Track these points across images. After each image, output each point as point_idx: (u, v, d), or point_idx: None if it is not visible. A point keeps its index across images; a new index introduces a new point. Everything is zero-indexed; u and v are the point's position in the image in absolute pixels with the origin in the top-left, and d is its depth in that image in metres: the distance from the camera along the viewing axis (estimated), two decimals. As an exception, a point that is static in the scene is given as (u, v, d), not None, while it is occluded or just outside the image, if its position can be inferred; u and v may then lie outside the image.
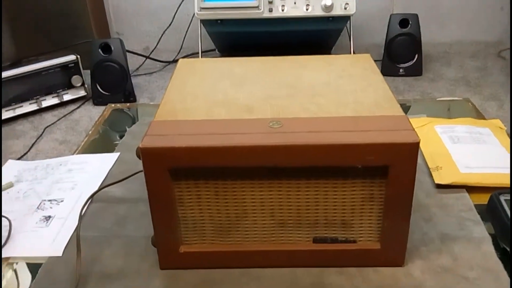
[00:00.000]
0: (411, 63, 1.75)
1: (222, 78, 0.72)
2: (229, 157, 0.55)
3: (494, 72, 1.67)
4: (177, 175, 0.58)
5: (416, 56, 1.74)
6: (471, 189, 0.78)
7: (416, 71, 1.75)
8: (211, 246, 0.63)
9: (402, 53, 1.74)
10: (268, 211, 0.60)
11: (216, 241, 0.63)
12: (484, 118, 0.98)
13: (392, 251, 0.62)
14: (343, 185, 0.58)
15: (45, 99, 1.57)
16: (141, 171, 0.82)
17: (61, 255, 0.68)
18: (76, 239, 0.63)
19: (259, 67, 0.76)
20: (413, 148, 0.54)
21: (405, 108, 1.05)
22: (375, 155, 0.55)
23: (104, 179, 0.84)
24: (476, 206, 0.75)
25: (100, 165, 0.88)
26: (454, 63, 1.82)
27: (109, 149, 0.95)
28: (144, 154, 0.56)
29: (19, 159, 1.26)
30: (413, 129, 0.56)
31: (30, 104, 1.57)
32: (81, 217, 0.63)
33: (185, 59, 0.80)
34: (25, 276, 0.65)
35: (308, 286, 0.61)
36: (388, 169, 0.56)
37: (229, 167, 0.56)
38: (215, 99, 0.65)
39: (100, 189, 0.68)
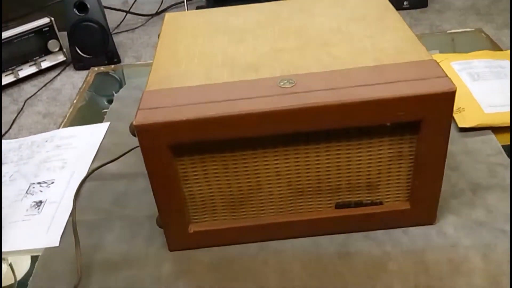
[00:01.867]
0: None
1: (217, 33, 0.63)
2: (236, 127, 0.48)
3: None
4: (180, 151, 0.51)
5: None
6: (497, 129, 0.71)
7: (421, 2, 1.62)
8: (223, 223, 0.57)
9: None
10: (285, 181, 0.54)
11: (229, 217, 0.57)
12: (500, 49, 0.90)
13: (423, 209, 0.56)
14: (368, 145, 0.51)
15: (21, 69, 1.45)
16: (138, 146, 0.75)
17: (58, 245, 0.61)
18: (73, 227, 0.57)
19: (257, 17, 0.67)
20: (449, 98, 0.47)
21: (413, 45, 0.97)
22: (406, 109, 0.48)
23: (96, 154, 0.77)
24: (505, 147, 0.69)
25: (90, 138, 0.81)
26: None
27: (98, 118, 0.87)
28: (140, 132, 0.48)
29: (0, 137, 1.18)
30: (446, 75, 0.49)
31: (6, 76, 1.45)
32: (75, 200, 0.57)
33: (172, 13, 0.71)
34: (22, 272, 0.59)
35: (333, 256, 0.56)
36: (420, 124, 0.49)
37: (237, 138, 0.49)
38: (214, 59, 0.57)
39: (95, 169, 0.61)
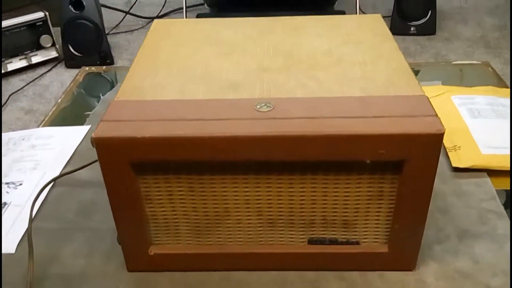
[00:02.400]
0: (424, 21, 1.55)
1: (204, 45, 0.60)
2: (205, 149, 0.44)
3: None
4: (142, 169, 0.47)
5: (430, 12, 1.55)
6: (494, 172, 0.67)
7: (429, 29, 1.56)
8: (187, 248, 0.53)
9: (414, 9, 1.54)
10: (255, 210, 0.50)
11: (193, 242, 0.53)
12: (506, 86, 0.86)
13: (402, 254, 0.52)
14: (347, 181, 0.47)
15: (11, 62, 1.41)
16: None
17: (13, 252, 0.58)
18: (28, 237, 0.53)
19: (249, 31, 0.63)
20: (436, 140, 0.43)
21: (416, 73, 0.93)
22: (388, 148, 0.44)
23: (70, 158, 0.73)
24: (499, 192, 0.64)
25: (67, 140, 0.77)
26: (471, 20, 1.64)
27: (81, 120, 0.84)
28: (99, 145, 0.44)
29: (-23, 132, 1.15)
30: (436, 115, 0.45)
31: (-6, 67, 1.42)
32: (33, 207, 0.53)
33: (162, 20, 0.68)
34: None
35: (301, 295, 0.51)
36: (403, 164, 0.45)
37: (206, 161, 0.45)
38: (193, 72, 0.53)
39: (59, 176, 0.58)
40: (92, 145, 0.46)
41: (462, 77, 0.91)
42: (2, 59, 1.36)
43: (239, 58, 0.56)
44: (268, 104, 0.47)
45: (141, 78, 0.53)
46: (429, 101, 0.47)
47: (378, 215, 0.50)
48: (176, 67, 0.54)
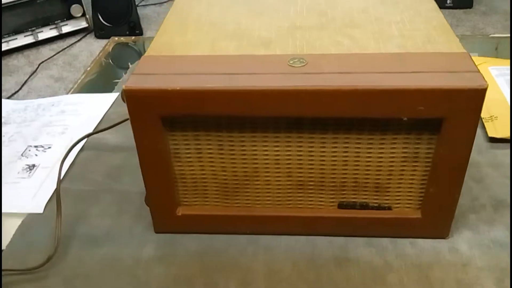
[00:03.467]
0: None
1: (236, 4, 0.58)
2: (236, 103, 0.43)
3: None
4: (172, 124, 0.46)
5: None
6: (531, 144, 0.64)
7: (465, 2, 1.50)
8: (214, 209, 0.52)
9: None
10: (285, 170, 0.49)
11: (221, 204, 0.52)
12: (545, 60, 0.83)
13: (436, 221, 0.51)
14: (381, 141, 0.46)
15: (42, 31, 1.42)
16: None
17: (42, 212, 0.58)
18: (56, 195, 0.53)
19: (279, -9, 0.61)
20: (478, 96, 0.41)
21: (450, 46, 0.90)
22: (428, 104, 0.42)
23: (99, 123, 0.73)
24: (537, 165, 0.62)
25: (96, 106, 0.77)
26: None
27: (109, 88, 0.84)
28: (129, 97, 0.44)
29: (9, 97, 1.15)
30: (478, 71, 0.43)
31: (25, 36, 1.42)
32: (61, 167, 0.53)
33: (190, -19, 0.66)
34: (8, 235, 0.56)
35: (329, 260, 0.50)
36: (442, 123, 0.43)
37: (236, 116, 0.44)
38: (224, 30, 0.52)
39: (88, 135, 0.57)
40: (123, 99, 0.45)
41: (500, 50, 0.88)
42: (33, 28, 1.37)
43: (271, 17, 0.55)
44: (301, 60, 0.45)
45: (171, 35, 0.52)
46: (470, 57, 0.45)
47: (412, 179, 0.48)
48: (206, 25, 0.53)
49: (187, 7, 0.58)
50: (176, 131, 0.47)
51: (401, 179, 0.48)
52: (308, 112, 0.43)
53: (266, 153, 0.47)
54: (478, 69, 0.43)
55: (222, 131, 0.46)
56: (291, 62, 0.45)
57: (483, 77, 0.42)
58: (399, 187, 0.49)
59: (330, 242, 0.52)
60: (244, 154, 0.48)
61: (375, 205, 0.50)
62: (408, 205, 0.50)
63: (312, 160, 0.48)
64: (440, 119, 0.43)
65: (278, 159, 0.48)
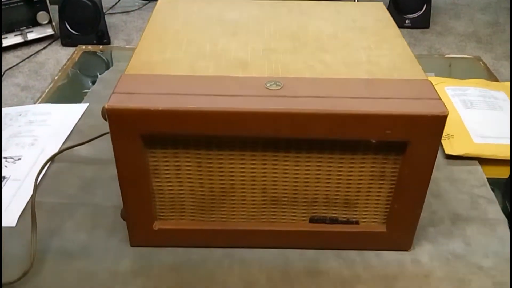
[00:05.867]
0: (419, 14, 1.58)
1: (211, 24, 0.60)
2: (216, 124, 0.45)
3: (507, 29, 1.54)
4: (152, 142, 0.48)
5: (425, 6, 1.58)
6: (484, 161, 0.69)
7: (423, 23, 1.59)
8: (190, 223, 0.54)
9: (409, 2, 1.57)
10: (260, 186, 0.51)
11: (197, 218, 0.54)
12: (497, 80, 0.89)
13: (400, 234, 0.54)
14: (351, 160, 0.49)
15: (6, 37, 1.38)
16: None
17: (14, 225, 0.58)
18: (31, 208, 0.53)
19: (255, 13, 0.64)
20: (440, 122, 0.45)
21: (410, 65, 0.95)
22: (394, 128, 0.45)
23: (69, 134, 0.73)
24: (489, 180, 0.67)
25: (66, 117, 0.77)
26: (463, 16, 1.67)
27: (77, 98, 0.84)
28: (112, 116, 0.45)
29: (-26, 106, 1.13)
30: (440, 98, 0.46)
31: (-12, 42, 1.38)
32: (37, 181, 0.53)
33: (166, -2, 0.68)
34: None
35: (302, 272, 0.53)
36: (407, 145, 0.47)
37: (215, 135, 0.46)
38: (202, 50, 0.54)
39: (62, 150, 0.58)
40: (104, 117, 0.46)
41: (455, 70, 0.93)
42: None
43: (246, 38, 0.57)
44: (277, 83, 0.48)
45: (150, 53, 0.53)
46: (432, 85, 0.48)
47: (378, 195, 0.52)
48: (184, 44, 0.55)
49: (164, 24, 0.60)
50: (156, 149, 0.48)
51: (369, 195, 0.52)
52: (284, 133, 0.46)
53: (243, 170, 0.50)
54: (440, 97, 0.47)
55: (201, 149, 0.48)
56: (268, 84, 0.48)
57: (444, 104, 0.45)
58: (367, 203, 0.52)
59: (302, 255, 0.55)
60: (222, 171, 0.50)
61: (344, 219, 0.54)
62: (375, 219, 0.54)
63: (286, 177, 0.50)
64: (405, 141, 0.47)
65: (254, 176, 0.50)
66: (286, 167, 0.49)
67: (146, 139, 0.47)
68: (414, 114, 0.44)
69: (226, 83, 0.48)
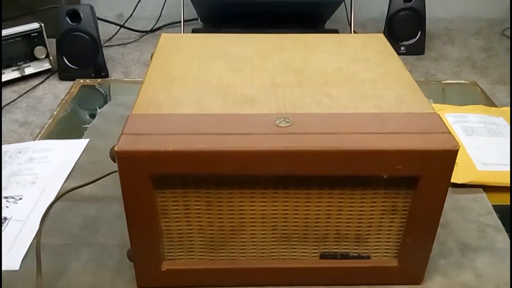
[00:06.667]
0: (413, 41, 1.61)
1: (214, 59, 0.61)
2: (226, 164, 0.45)
3: (500, 53, 1.57)
4: (161, 182, 0.47)
5: (419, 33, 1.62)
6: (488, 188, 0.69)
7: (418, 49, 1.62)
8: (199, 263, 0.53)
9: (404, 29, 1.60)
10: (270, 224, 0.50)
11: (206, 257, 0.53)
12: (494, 105, 0.90)
13: (411, 268, 0.54)
14: (362, 196, 0.49)
15: (3, 73, 1.37)
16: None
17: (18, 268, 0.57)
18: (36, 252, 0.52)
19: (258, 47, 0.64)
20: (451, 156, 0.45)
21: (407, 92, 0.96)
22: (406, 163, 0.45)
23: (71, 172, 0.72)
24: (495, 208, 0.67)
25: (67, 153, 0.76)
26: (457, 41, 1.71)
27: (77, 133, 0.83)
28: (121, 159, 0.44)
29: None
30: (449, 132, 0.47)
31: (-15, 78, 1.37)
32: (42, 223, 0.52)
33: (169, 34, 0.68)
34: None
35: (313, 309, 0.52)
36: (418, 180, 0.47)
37: (226, 175, 0.46)
38: (208, 86, 0.54)
39: (68, 190, 0.57)
40: (113, 159, 0.46)
41: (452, 96, 0.94)
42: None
43: (251, 73, 0.57)
44: (287, 120, 0.48)
45: (156, 91, 0.53)
46: (440, 118, 0.49)
47: (390, 230, 0.51)
48: (190, 81, 0.55)
49: (168, 61, 0.60)
50: (165, 189, 0.48)
51: (380, 230, 0.51)
52: (295, 171, 0.45)
53: (253, 208, 0.49)
54: (449, 130, 0.47)
55: (211, 188, 0.48)
56: (277, 121, 0.48)
57: (455, 138, 0.45)
58: (378, 238, 0.52)
59: (313, 292, 0.54)
60: (232, 210, 0.49)
61: (355, 254, 0.53)
62: (386, 254, 0.53)
63: (297, 214, 0.50)
64: (417, 176, 0.46)
65: (264, 214, 0.50)
66: (297, 204, 0.49)
67: (155, 180, 0.46)
68: (426, 149, 0.44)
69: (235, 121, 0.48)
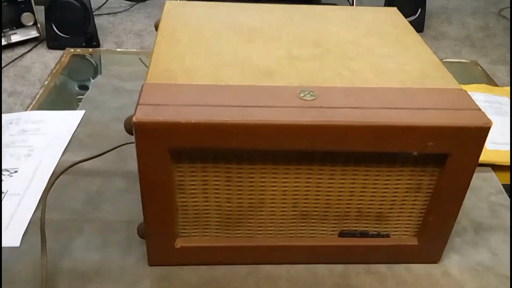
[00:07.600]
0: (414, 18, 1.58)
1: (225, 29, 0.57)
2: (250, 137, 0.42)
3: (498, 33, 1.56)
4: (180, 156, 0.44)
5: (420, 10, 1.59)
6: (497, 167, 0.69)
7: (418, 27, 1.60)
8: (214, 240, 0.51)
9: (404, 5, 1.58)
10: (291, 201, 0.48)
11: (222, 235, 0.51)
12: (496, 85, 0.89)
13: (431, 247, 0.53)
14: (388, 173, 0.47)
15: (-13, 39, 1.31)
16: (125, 144, 0.67)
17: (18, 245, 0.54)
18: (40, 228, 0.49)
19: (268, 18, 0.61)
20: (483, 133, 0.43)
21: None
22: (436, 140, 0.43)
23: (68, 144, 0.69)
24: (505, 187, 0.66)
25: (61, 125, 0.73)
26: (454, 20, 1.69)
27: (71, 104, 0.79)
28: (139, 130, 0.41)
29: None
30: (479, 108, 0.45)
31: (-30, 45, 1.30)
32: (45, 198, 0.49)
33: (173, 2, 0.64)
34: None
35: (330, 288, 0.51)
36: (447, 157, 0.45)
37: (248, 149, 0.44)
38: (222, 57, 0.51)
39: (72, 164, 0.54)
40: (129, 131, 0.43)
41: (454, 75, 0.93)
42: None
43: (266, 45, 0.54)
44: (311, 93, 0.46)
45: (168, 61, 0.50)
46: (468, 95, 0.47)
47: (412, 208, 0.50)
48: (202, 52, 0.52)
49: (175, 31, 0.56)
50: (183, 163, 0.45)
51: (402, 208, 0.50)
52: (321, 146, 0.43)
53: (274, 184, 0.47)
54: (479, 107, 0.45)
55: (232, 163, 0.45)
56: (301, 95, 0.45)
57: (486, 115, 0.44)
58: (399, 216, 0.50)
59: (331, 270, 0.52)
60: (252, 186, 0.47)
61: (375, 232, 0.52)
62: (406, 232, 0.52)
63: (319, 191, 0.48)
64: (446, 154, 0.45)
65: (285, 191, 0.48)
66: (320, 181, 0.47)
67: (174, 154, 0.44)
68: (458, 126, 0.43)
69: (257, 93, 0.45)
